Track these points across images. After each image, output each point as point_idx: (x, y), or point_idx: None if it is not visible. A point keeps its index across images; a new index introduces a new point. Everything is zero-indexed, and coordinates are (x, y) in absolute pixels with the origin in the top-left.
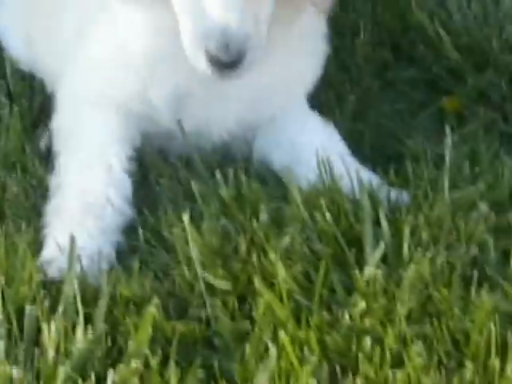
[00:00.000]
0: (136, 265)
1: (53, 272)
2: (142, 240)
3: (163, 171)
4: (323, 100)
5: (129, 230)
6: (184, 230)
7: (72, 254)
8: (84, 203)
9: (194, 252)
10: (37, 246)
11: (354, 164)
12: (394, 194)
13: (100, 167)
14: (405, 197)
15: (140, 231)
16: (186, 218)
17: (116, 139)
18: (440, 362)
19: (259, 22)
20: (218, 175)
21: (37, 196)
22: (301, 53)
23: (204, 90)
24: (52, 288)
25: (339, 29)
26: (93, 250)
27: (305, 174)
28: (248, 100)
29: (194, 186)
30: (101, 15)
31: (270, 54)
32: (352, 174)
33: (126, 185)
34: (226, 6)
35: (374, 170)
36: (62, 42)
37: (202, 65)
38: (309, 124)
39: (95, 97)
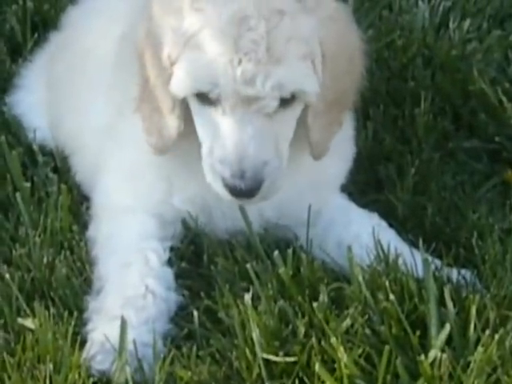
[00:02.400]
0: (192, 349)
1: (97, 366)
2: (197, 323)
3: (218, 250)
4: (383, 173)
5: (183, 314)
6: (242, 311)
7: (123, 342)
8: (124, 297)
9: (256, 334)
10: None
11: (406, 247)
12: (456, 273)
13: (137, 262)
14: (468, 275)
15: (195, 314)
16: (247, 298)
17: (151, 236)
18: None
19: (279, 147)
20: (276, 254)
21: (82, 278)
22: (327, 160)
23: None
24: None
25: (398, 98)
26: (135, 341)
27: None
28: (276, 206)
29: (251, 267)
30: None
31: (295, 164)
32: (407, 256)
33: (166, 274)
34: (244, 133)
35: (436, 246)
36: (90, 132)
37: (221, 191)
38: (353, 216)
39: (128, 204)
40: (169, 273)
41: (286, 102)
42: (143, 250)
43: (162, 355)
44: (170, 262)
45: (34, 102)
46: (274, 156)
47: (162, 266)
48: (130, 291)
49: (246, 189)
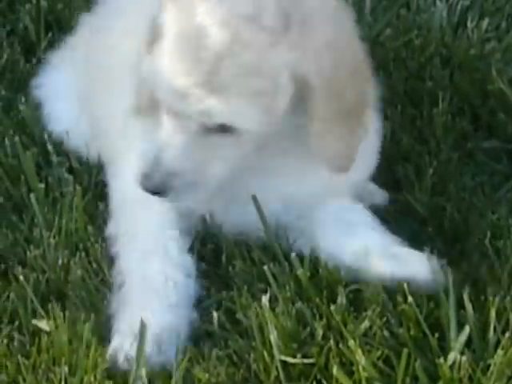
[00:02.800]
0: (211, 350)
1: (121, 361)
2: (216, 324)
3: (236, 251)
4: (401, 174)
5: (203, 314)
6: (260, 313)
7: (142, 342)
8: (146, 286)
9: (273, 336)
10: (99, 332)
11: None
12: None
13: (157, 251)
14: None
15: (215, 315)
16: (264, 299)
17: (170, 226)
18: None
19: (207, 167)
20: (293, 255)
21: (98, 279)
22: None
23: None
24: (117, 376)
25: (416, 98)
26: (160, 329)
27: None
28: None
29: (268, 268)
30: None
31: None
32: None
33: (186, 261)
34: (169, 140)
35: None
36: (112, 129)
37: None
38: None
39: (145, 198)
40: (188, 260)
41: (224, 129)
42: (162, 238)
43: (185, 343)
44: (190, 250)
45: (64, 84)
46: (192, 171)
47: (181, 254)
48: (151, 280)
49: (145, 188)
